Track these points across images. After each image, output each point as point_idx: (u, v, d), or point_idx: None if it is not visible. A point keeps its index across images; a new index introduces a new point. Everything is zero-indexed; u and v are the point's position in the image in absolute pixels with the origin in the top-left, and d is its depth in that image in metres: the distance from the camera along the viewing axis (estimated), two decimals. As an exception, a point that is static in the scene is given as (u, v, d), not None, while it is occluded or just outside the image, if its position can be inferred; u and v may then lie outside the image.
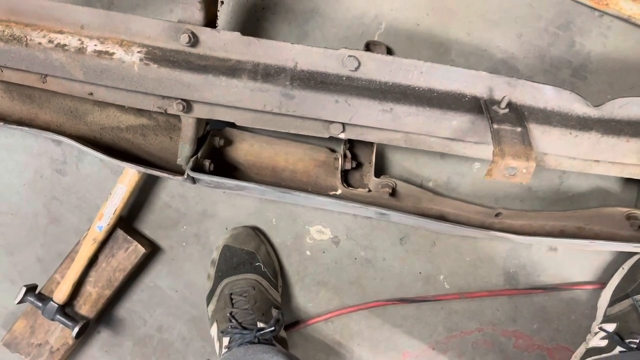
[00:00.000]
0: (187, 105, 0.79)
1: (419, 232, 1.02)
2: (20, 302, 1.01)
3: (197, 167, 0.85)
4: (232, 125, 0.88)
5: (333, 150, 0.96)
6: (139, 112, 0.91)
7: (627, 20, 0.90)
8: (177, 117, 0.89)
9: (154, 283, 1.09)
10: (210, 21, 0.78)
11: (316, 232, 1.04)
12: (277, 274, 1.04)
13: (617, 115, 0.76)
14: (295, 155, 0.95)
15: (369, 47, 0.93)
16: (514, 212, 0.93)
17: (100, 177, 1.05)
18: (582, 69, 0.93)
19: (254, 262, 0.99)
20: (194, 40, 0.74)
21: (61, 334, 1.05)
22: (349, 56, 0.73)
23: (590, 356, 0.95)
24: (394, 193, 0.91)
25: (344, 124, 0.79)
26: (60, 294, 1.01)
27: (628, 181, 0.96)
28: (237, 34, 0.74)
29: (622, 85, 0.93)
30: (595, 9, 0.91)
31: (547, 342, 1.06)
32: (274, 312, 0.95)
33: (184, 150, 0.84)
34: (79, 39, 0.76)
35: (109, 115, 0.92)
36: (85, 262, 1.00)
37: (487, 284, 1.04)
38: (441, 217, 0.93)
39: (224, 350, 0.91)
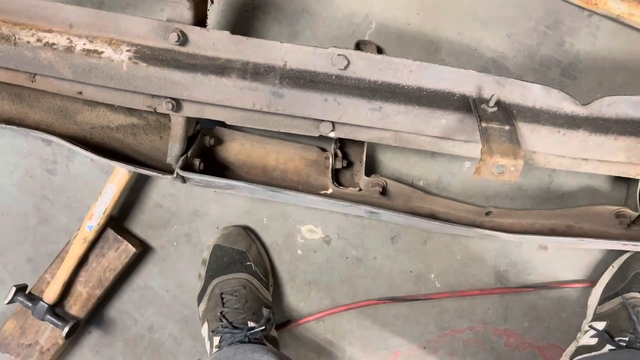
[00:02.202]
0: (177, 104, 0.79)
1: (410, 231, 1.03)
2: (10, 302, 1.00)
3: (187, 166, 0.85)
4: (223, 124, 0.88)
5: (324, 150, 0.96)
6: (129, 111, 0.91)
7: (615, 20, 0.90)
8: (168, 116, 0.88)
9: (145, 283, 1.09)
10: (200, 20, 0.78)
11: (307, 232, 1.04)
12: (268, 273, 1.03)
13: (605, 114, 0.77)
14: (286, 154, 0.95)
15: (359, 46, 0.93)
16: (504, 211, 0.93)
17: (90, 176, 1.05)
18: (571, 68, 0.94)
19: (244, 262, 0.99)
20: (183, 39, 0.74)
21: (51, 334, 1.04)
22: (338, 55, 0.73)
23: (581, 354, 0.95)
24: (384, 192, 0.92)
25: (333, 123, 0.79)
26: (51, 294, 1.00)
27: (617, 179, 0.96)
28: (227, 32, 0.74)
29: (611, 84, 0.93)
30: (584, 9, 0.91)
31: (538, 341, 1.06)
32: (265, 311, 0.95)
33: (173, 149, 0.84)
34: (68, 38, 0.75)
35: (98, 114, 0.92)
36: (76, 262, 1.00)
37: (478, 283, 1.04)
38: (432, 216, 0.94)
39: (214, 350, 0.91)
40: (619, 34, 0.92)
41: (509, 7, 0.92)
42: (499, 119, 0.69)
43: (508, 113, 0.72)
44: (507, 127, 0.68)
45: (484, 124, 0.68)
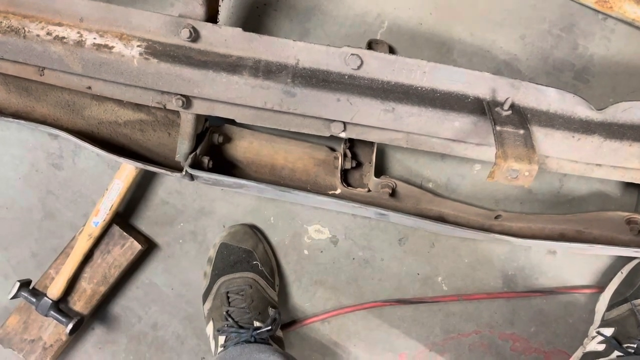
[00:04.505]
0: (187, 101, 0.78)
1: (417, 233, 1.02)
2: (13, 297, 0.99)
3: (196, 164, 0.84)
4: (232, 122, 0.87)
5: (333, 150, 0.95)
6: (137, 107, 0.90)
7: (630, 24, 0.89)
8: (176, 113, 0.88)
9: (150, 280, 1.08)
10: (212, 16, 0.77)
11: (314, 232, 1.03)
12: (274, 273, 1.03)
13: (620, 119, 0.76)
14: (294, 153, 0.94)
15: (371, 45, 0.92)
16: (513, 215, 0.92)
17: (96, 172, 1.04)
18: (584, 71, 0.93)
19: (251, 261, 0.98)
20: (195, 36, 0.73)
21: (55, 330, 1.04)
22: (352, 54, 0.72)
23: (588, 360, 0.94)
24: (393, 193, 0.91)
25: (345, 123, 0.78)
26: (55, 290, 0.99)
27: (628, 185, 0.96)
28: (239, 29, 0.73)
29: (624, 88, 0.92)
30: (599, 12, 0.90)
31: (544, 346, 1.05)
32: (271, 311, 0.94)
33: (182, 146, 0.83)
34: (78, 32, 0.74)
35: (106, 109, 0.91)
36: (81, 258, 0.99)
37: (485, 286, 1.03)
38: (440, 219, 0.93)
39: (219, 349, 0.90)
40: (634, 38, 0.91)
41: (523, 9, 0.91)
42: (514, 123, 0.69)
43: (522, 117, 0.71)
44: (521, 131, 0.67)
45: (498, 128, 0.67)
